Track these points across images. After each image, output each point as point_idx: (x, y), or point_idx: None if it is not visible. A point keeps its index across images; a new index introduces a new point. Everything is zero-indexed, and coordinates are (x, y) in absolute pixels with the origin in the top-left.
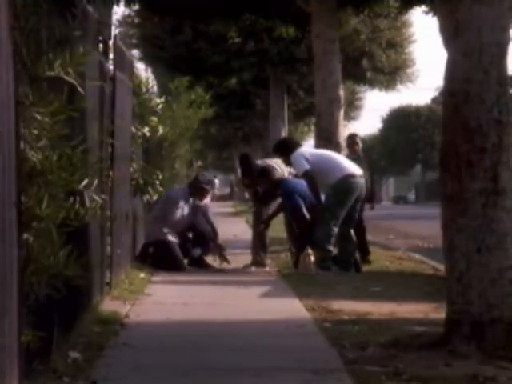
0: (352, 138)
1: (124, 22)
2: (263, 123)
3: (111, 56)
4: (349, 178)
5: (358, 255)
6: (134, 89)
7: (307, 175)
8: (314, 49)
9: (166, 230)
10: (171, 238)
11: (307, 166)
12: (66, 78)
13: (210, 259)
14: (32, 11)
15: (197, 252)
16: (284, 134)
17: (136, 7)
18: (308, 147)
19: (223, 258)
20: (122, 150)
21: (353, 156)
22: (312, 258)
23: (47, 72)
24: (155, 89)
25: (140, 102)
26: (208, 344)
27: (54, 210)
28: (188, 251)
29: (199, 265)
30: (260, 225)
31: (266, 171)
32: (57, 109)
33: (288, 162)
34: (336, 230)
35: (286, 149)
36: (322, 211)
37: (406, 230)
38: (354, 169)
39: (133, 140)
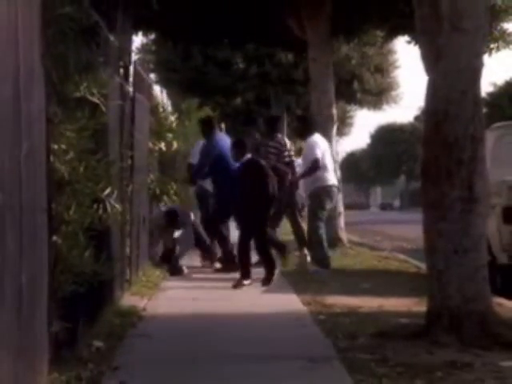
0: None
1: (142, 49)
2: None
3: (131, 79)
4: (332, 187)
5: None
6: (151, 108)
7: (315, 164)
8: (310, 72)
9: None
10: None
11: (319, 156)
12: (91, 98)
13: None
14: (61, 40)
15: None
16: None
17: (152, 36)
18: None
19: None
20: (140, 162)
21: None
22: (308, 258)
23: (74, 93)
24: (169, 108)
25: (157, 120)
26: (216, 334)
27: (80, 216)
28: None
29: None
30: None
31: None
32: (83, 126)
33: (304, 139)
34: (323, 229)
35: (306, 126)
36: (310, 213)
37: (392, 233)
38: (335, 179)
39: (150, 153)
